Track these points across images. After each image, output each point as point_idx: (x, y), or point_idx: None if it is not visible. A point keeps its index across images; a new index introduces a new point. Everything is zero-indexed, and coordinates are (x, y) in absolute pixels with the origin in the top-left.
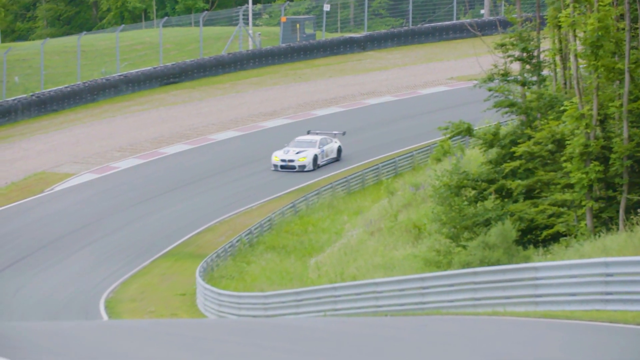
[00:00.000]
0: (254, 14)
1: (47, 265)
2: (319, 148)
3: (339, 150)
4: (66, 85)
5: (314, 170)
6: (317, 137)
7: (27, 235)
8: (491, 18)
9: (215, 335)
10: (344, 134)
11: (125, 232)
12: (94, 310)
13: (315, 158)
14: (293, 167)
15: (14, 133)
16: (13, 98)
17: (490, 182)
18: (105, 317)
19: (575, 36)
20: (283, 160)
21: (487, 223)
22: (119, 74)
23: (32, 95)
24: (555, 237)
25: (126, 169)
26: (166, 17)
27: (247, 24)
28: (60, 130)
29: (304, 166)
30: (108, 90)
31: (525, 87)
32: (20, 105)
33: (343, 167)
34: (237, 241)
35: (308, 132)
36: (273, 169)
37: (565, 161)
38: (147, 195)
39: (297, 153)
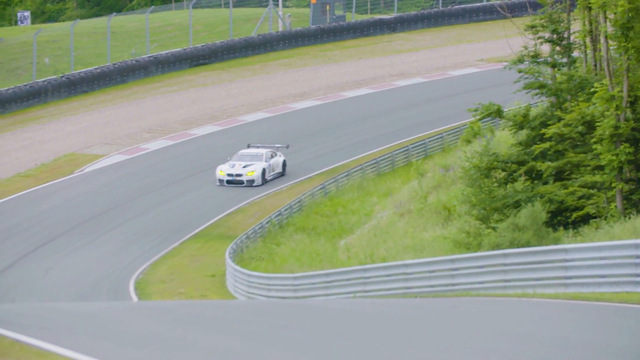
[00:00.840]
0: None
1: (77, 246)
2: (266, 162)
3: (284, 164)
4: (96, 67)
5: (262, 185)
6: (263, 150)
7: (57, 217)
8: (521, 0)
9: (244, 317)
10: (287, 147)
11: (155, 214)
12: (124, 292)
13: (264, 172)
14: (241, 182)
15: (44, 114)
16: (43, 79)
17: (520, 163)
18: (135, 298)
19: (605, 17)
20: (230, 175)
21: (517, 205)
22: (148, 55)
23: (62, 77)
24: (585, 219)
25: (156, 150)
26: None
27: (277, 5)
28: (90, 112)
29: (252, 181)
30: (138, 72)
31: (556, 69)
32: (50, 87)
33: (373, 148)
34: (267, 223)
35: (248, 146)
36: (218, 184)
37: (595, 143)
38: (177, 176)
39: (244, 167)
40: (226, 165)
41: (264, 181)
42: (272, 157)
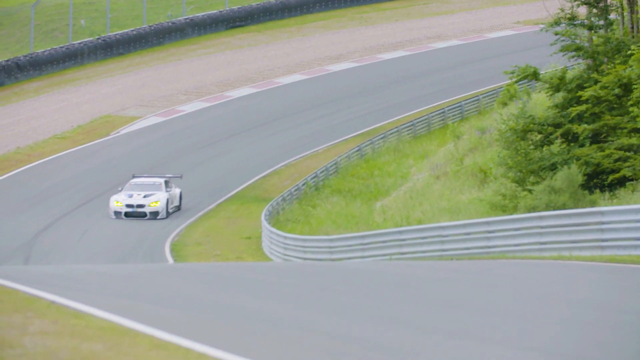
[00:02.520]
0: None
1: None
2: (167, 191)
3: (181, 196)
4: (132, 29)
5: (166, 218)
6: (160, 179)
7: (93, 179)
8: None
9: (280, 279)
10: (181, 177)
11: (191, 176)
12: (160, 254)
13: (167, 203)
14: (143, 215)
15: (81, 76)
16: (79, 41)
17: (557, 126)
18: (170, 260)
19: None
20: (129, 206)
21: (553, 167)
22: (185, 17)
23: (98, 39)
24: (622, 182)
25: (192, 112)
26: None
27: None
28: (126, 74)
29: (156, 213)
30: (174, 34)
31: (592, 31)
32: (87, 49)
33: (409, 110)
34: (303, 185)
35: (134, 176)
36: (114, 217)
37: (632, 105)
38: (212, 138)
39: (145, 197)
40: (122, 195)
41: (168, 213)
42: (171, 187)
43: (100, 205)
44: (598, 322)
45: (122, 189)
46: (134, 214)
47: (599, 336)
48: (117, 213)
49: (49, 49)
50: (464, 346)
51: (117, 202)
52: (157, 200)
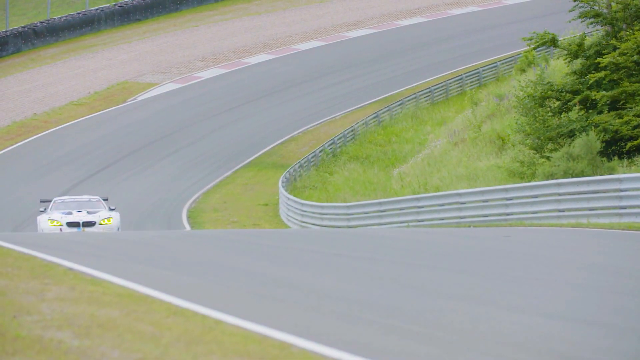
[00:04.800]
0: None
1: (131, 174)
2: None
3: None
4: None
5: None
6: (96, 197)
7: (110, 144)
8: None
9: (297, 245)
10: (106, 199)
11: (208, 142)
12: (177, 220)
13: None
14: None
15: (97, 42)
16: (96, 7)
17: (575, 93)
18: (187, 227)
19: None
20: (72, 225)
21: (571, 134)
22: None
23: (115, 5)
24: None
25: (209, 78)
26: None
27: None
28: (143, 40)
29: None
30: (191, 0)
31: None
32: (104, 15)
33: (427, 77)
34: (320, 151)
35: (41, 201)
36: None
37: None
38: (230, 104)
39: (91, 213)
40: (56, 213)
41: None
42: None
43: (117, 171)
44: (616, 287)
45: (45, 210)
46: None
47: (617, 301)
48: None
49: (65, 15)
50: (482, 311)
51: (53, 221)
52: (109, 217)
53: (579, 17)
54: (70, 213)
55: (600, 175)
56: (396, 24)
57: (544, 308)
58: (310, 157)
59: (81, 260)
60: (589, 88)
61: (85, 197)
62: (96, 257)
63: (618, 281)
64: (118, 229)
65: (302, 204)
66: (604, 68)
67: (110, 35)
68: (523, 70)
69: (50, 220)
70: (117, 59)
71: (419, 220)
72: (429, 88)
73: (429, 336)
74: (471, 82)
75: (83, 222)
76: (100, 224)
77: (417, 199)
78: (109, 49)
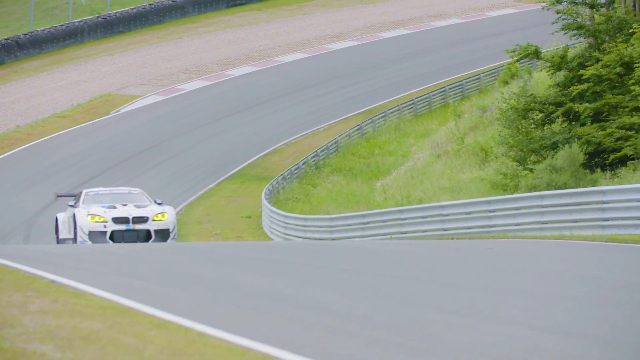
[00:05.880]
0: None
1: (114, 186)
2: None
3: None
4: (132, 7)
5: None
6: (137, 188)
7: (93, 157)
8: None
9: (281, 258)
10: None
11: (191, 154)
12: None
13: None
14: (144, 235)
15: (80, 55)
16: (79, 20)
17: (558, 105)
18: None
19: None
20: (120, 221)
21: (554, 146)
22: None
23: (98, 17)
24: (623, 161)
25: (192, 90)
26: None
27: None
28: (126, 52)
29: (166, 231)
30: (174, 12)
31: (594, 10)
32: (87, 27)
33: (410, 89)
34: (304, 163)
35: (58, 196)
36: (87, 239)
37: (633, 84)
38: (213, 117)
39: (139, 207)
40: (97, 208)
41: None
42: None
43: (100, 183)
44: (600, 299)
45: (76, 203)
46: (129, 234)
47: (602, 313)
48: (94, 235)
49: (49, 27)
50: (465, 324)
51: (94, 216)
52: (163, 212)
53: (562, 29)
54: (114, 207)
55: (583, 187)
56: (379, 36)
57: (529, 320)
58: (293, 169)
59: (64, 273)
60: (572, 100)
61: (124, 189)
62: (79, 269)
63: (602, 293)
64: (174, 229)
65: (285, 216)
66: (587, 80)
67: (94, 48)
68: (506, 82)
69: (91, 216)
70: (101, 71)
71: (402, 233)
72: (412, 100)
73: (413, 348)
74: (454, 94)
75: (133, 218)
76: (154, 220)
77: (400, 211)
78: (92, 61)
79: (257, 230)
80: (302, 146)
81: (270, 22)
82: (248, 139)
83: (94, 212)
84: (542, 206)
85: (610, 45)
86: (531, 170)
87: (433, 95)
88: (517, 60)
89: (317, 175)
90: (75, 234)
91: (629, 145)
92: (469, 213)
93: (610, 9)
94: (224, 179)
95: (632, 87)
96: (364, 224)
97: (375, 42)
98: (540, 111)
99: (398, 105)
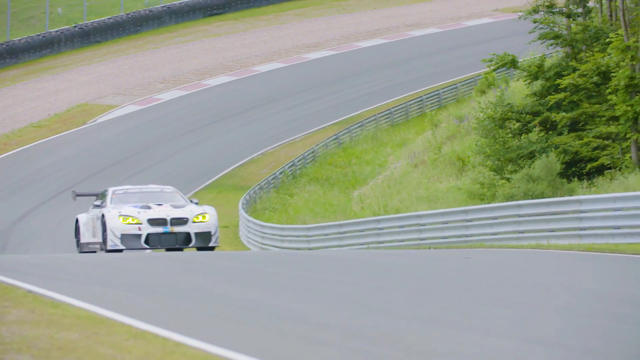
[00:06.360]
0: None
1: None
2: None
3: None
4: (109, 17)
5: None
6: (169, 186)
7: (70, 167)
8: None
9: (257, 267)
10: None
11: (168, 164)
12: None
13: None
14: (185, 238)
15: (57, 64)
16: (56, 29)
17: (535, 114)
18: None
19: None
20: (157, 223)
21: (532, 156)
22: (162, 5)
23: (75, 27)
24: (600, 170)
25: (169, 100)
26: None
27: None
28: (103, 62)
29: (208, 235)
30: (151, 22)
31: (571, 19)
32: (64, 37)
33: (387, 99)
34: (280, 173)
35: (77, 195)
36: (119, 244)
37: (610, 93)
38: (190, 127)
39: (176, 207)
40: (128, 208)
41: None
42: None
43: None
44: (578, 309)
45: (103, 204)
46: (167, 238)
47: (578, 323)
48: (127, 239)
49: (25, 37)
50: (443, 334)
51: (127, 217)
52: (204, 213)
53: (539, 38)
54: (148, 207)
55: (560, 196)
56: (356, 46)
57: (507, 330)
58: (270, 179)
59: (41, 283)
60: (549, 109)
61: (155, 187)
62: (56, 279)
63: (580, 303)
64: (216, 232)
65: (263, 226)
66: (564, 89)
67: (70, 57)
68: (483, 92)
69: (123, 217)
70: (77, 81)
71: (379, 242)
72: (389, 110)
73: (390, 358)
74: (431, 104)
75: (171, 220)
76: (194, 222)
77: (377, 221)
78: (69, 71)
79: (234, 240)
80: (279, 156)
81: (247, 31)
82: (225, 149)
83: (127, 213)
84: (519, 215)
85: (587, 54)
86: (508, 179)
87: (410, 104)
88: (494, 70)
89: (294, 184)
90: (104, 238)
91: (606, 155)
92: (446, 222)
93: (587, 18)
94: (200, 189)
95: (608, 97)
96: (341, 233)
97: (352, 51)
98: (517, 120)
99: (375, 115)
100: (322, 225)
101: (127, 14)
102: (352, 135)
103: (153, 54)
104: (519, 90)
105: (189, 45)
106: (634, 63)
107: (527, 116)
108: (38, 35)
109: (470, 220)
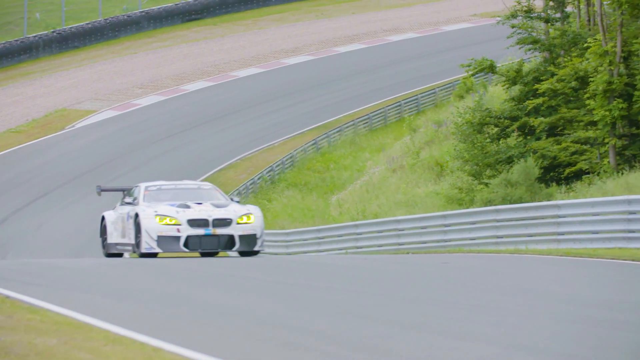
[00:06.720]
0: None
1: (69, 202)
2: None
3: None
4: (87, 22)
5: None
6: (207, 183)
7: (48, 173)
8: None
9: (237, 272)
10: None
11: (146, 170)
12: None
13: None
14: (227, 242)
15: (35, 70)
16: (34, 34)
17: (513, 119)
18: (126, 254)
19: None
20: (198, 224)
21: (510, 160)
22: (140, 10)
23: (53, 32)
24: (578, 175)
25: (147, 105)
26: None
27: None
28: (81, 67)
29: (253, 237)
30: (130, 27)
31: (549, 24)
32: (42, 42)
33: (366, 104)
34: (259, 178)
35: (102, 190)
36: (156, 246)
37: (588, 98)
38: (169, 132)
39: (217, 207)
40: (165, 207)
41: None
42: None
43: (55, 199)
44: (556, 313)
45: (135, 201)
46: (208, 241)
47: (556, 327)
48: (164, 241)
49: (3, 42)
50: (421, 339)
51: (164, 217)
52: (249, 214)
53: (517, 43)
54: (187, 206)
55: (539, 201)
56: (334, 51)
57: (484, 335)
58: (248, 184)
59: (19, 288)
60: (527, 114)
61: (191, 183)
62: (34, 284)
63: (558, 307)
64: (262, 235)
65: None
66: (542, 94)
67: (49, 63)
68: (461, 97)
69: (160, 217)
70: (56, 86)
71: (358, 247)
72: (367, 115)
73: None
74: (409, 109)
75: (214, 220)
76: (239, 224)
77: (356, 226)
78: (47, 76)
79: None
80: (258, 161)
81: (226, 36)
82: (203, 154)
83: (164, 213)
84: (498, 220)
85: (565, 59)
86: (486, 184)
87: (388, 109)
88: (473, 75)
89: (273, 190)
90: (137, 240)
91: (584, 160)
92: (425, 227)
93: (565, 23)
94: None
95: (587, 102)
96: (320, 238)
97: (331, 56)
98: (496, 125)
99: (353, 120)
100: (301, 231)
101: (106, 19)
102: (331, 140)
103: (131, 59)
104: (497, 95)
105: (167, 50)
106: (612, 68)
107: (506, 121)
108: (16, 40)
109: (449, 225)
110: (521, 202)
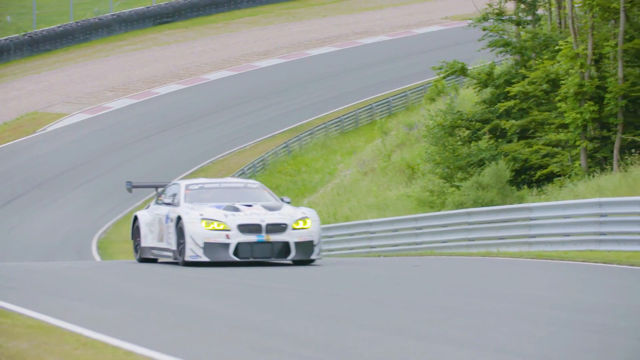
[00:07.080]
0: None
1: (40, 205)
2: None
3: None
4: (59, 25)
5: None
6: (255, 181)
7: (20, 176)
8: None
9: (209, 276)
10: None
11: (118, 173)
12: (87, 252)
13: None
14: (282, 249)
15: (6, 73)
16: (5, 38)
17: (484, 122)
18: (97, 258)
19: None
20: (250, 229)
21: (481, 163)
22: (112, 13)
23: (24, 35)
24: (550, 178)
25: (119, 109)
26: None
27: None
28: (52, 70)
29: (310, 244)
30: (101, 30)
31: (520, 27)
32: (13, 45)
33: (337, 107)
34: None
35: (133, 186)
36: (202, 254)
37: (559, 101)
38: (140, 135)
39: (271, 209)
40: (210, 209)
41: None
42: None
43: (26, 203)
44: (529, 316)
45: (174, 201)
46: (260, 248)
47: (530, 330)
48: (211, 248)
49: None
50: (393, 341)
51: (211, 222)
52: (305, 218)
53: (489, 46)
54: (235, 209)
55: (510, 204)
56: (306, 54)
57: (456, 337)
58: None
59: None
60: (499, 117)
61: (237, 181)
62: (5, 288)
63: (530, 310)
64: (319, 242)
65: None
66: (514, 97)
67: (20, 66)
68: (433, 100)
69: (207, 222)
70: (27, 89)
71: (329, 250)
72: (339, 117)
73: None
74: (381, 112)
75: (267, 226)
76: (294, 229)
77: (327, 229)
78: (19, 79)
79: None
80: (229, 164)
81: (197, 39)
82: (174, 158)
83: (211, 216)
84: (469, 223)
85: (537, 62)
86: (458, 187)
87: (360, 112)
88: (444, 77)
89: None
90: (180, 246)
91: (555, 162)
92: (396, 230)
93: (536, 26)
94: (150, 197)
95: (558, 104)
96: None
97: (302, 59)
98: (467, 128)
99: (325, 123)
100: None
101: (77, 22)
102: (302, 143)
103: (103, 62)
104: (468, 98)
105: (139, 53)
106: (583, 70)
107: (477, 124)
108: None
109: (420, 228)
110: (492, 205)
